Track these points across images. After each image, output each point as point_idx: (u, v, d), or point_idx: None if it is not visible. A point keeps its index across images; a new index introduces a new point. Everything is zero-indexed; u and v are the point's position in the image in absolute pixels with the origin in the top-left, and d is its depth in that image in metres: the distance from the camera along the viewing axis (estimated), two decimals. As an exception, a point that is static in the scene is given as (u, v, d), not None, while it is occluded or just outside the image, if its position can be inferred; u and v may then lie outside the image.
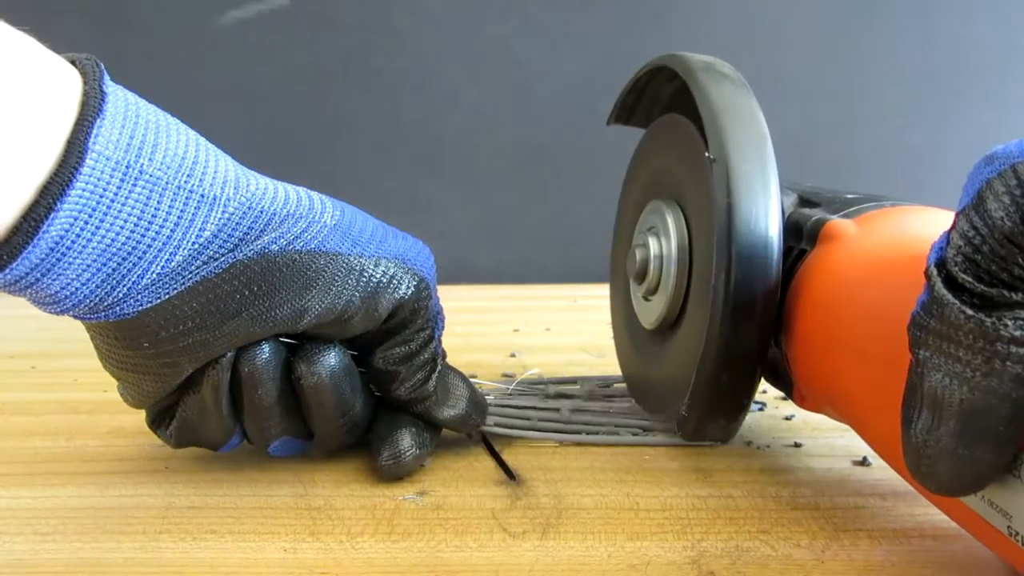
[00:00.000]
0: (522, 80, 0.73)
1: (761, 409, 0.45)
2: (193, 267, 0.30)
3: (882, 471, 0.37)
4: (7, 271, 0.27)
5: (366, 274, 0.33)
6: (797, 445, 0.40)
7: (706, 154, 0.34)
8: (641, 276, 0.39)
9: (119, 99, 0.28)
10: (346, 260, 0.33)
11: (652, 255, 0.38)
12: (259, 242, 0.31)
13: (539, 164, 0.75)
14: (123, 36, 0.71)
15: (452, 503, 0.34)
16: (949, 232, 0.22)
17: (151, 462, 0.34)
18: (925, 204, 0.34)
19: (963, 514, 0.25)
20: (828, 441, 0.40)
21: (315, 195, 0.34)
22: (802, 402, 0.35)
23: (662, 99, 0.43)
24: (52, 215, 0.26)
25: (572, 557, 0.30)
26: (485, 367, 0.51)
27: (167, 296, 0.30)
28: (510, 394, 0.45)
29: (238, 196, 0.31)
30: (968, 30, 0.73)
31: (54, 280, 0.28)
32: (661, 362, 0.39)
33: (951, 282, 0.21)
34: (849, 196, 0.36)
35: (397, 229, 0.37)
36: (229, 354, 0.33)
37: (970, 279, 0.21)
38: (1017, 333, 0.20)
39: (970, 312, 0.21)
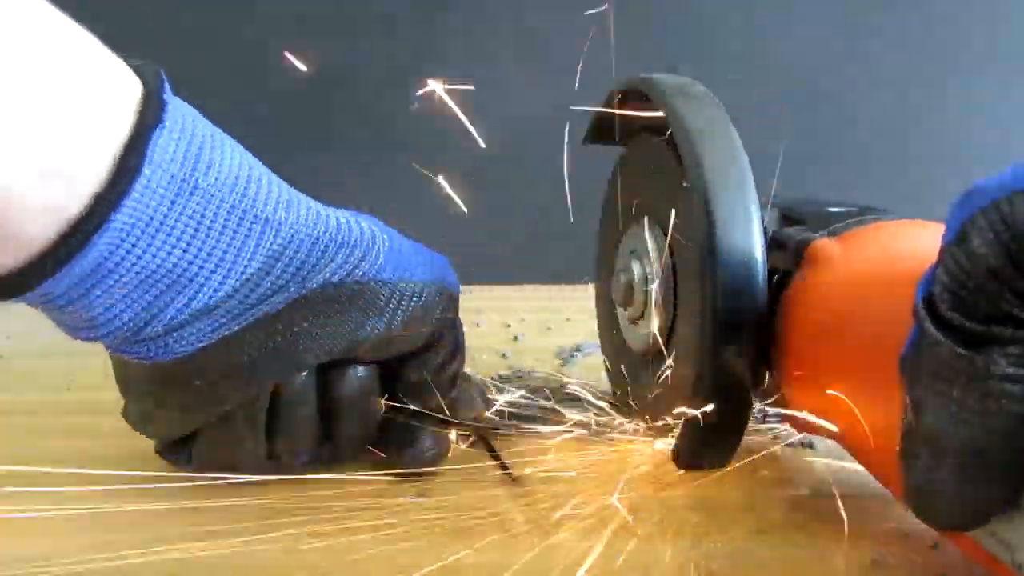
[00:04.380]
0: (521, 80, 0.73)
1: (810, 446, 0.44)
2: (250, 300, 0.29)
3: (882, 471, 0.37)
4: (44, 286, 0.25)
5: (414, 299, 0.33)
6: (809, 445, 0.40)
7: (683, 183, 0.33)
8: (627, 301, 0.39)
9: (178, 109, 0.27)
10: (397, 287, 0.33)
11: (636, 279, 0.38)
12: (321, 275, 0.30)
13: (536, 164, 0.75)
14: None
15: (452, 503, 0.34)
16: (935, 268, 0.21)
17: (151, 463, 0.34)
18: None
19: (968, 546, 0.25)
20: (828, 441, 0.40)
21: (362, 220, 0.33)
22: (796, 424, 0.35)
23: (637, 119, 0.42)
24: (104, 227, 0.24)
25: (572, 557, 0.30)
26: (481, 366, 0.51)
27: (227, 332, 0.29)
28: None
29: (290, 219, 0.30)
30: (967, 30, 0.73)
31: (95, 300, 0.26)
32: (652, 386, 0.39)
33: (940, 320, 0.21)
34: (832, 210, 0.35)
35: (419, 243, 0.37)
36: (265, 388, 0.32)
37: (958, 317, 0.20)
38: (1010, 370, 0.19)
39: (961, 351, 0.20)
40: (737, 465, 0.38)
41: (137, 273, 0.26)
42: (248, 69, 0.71)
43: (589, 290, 0.71)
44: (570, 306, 0.64)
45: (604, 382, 0.48)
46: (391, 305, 0.32)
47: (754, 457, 0.39)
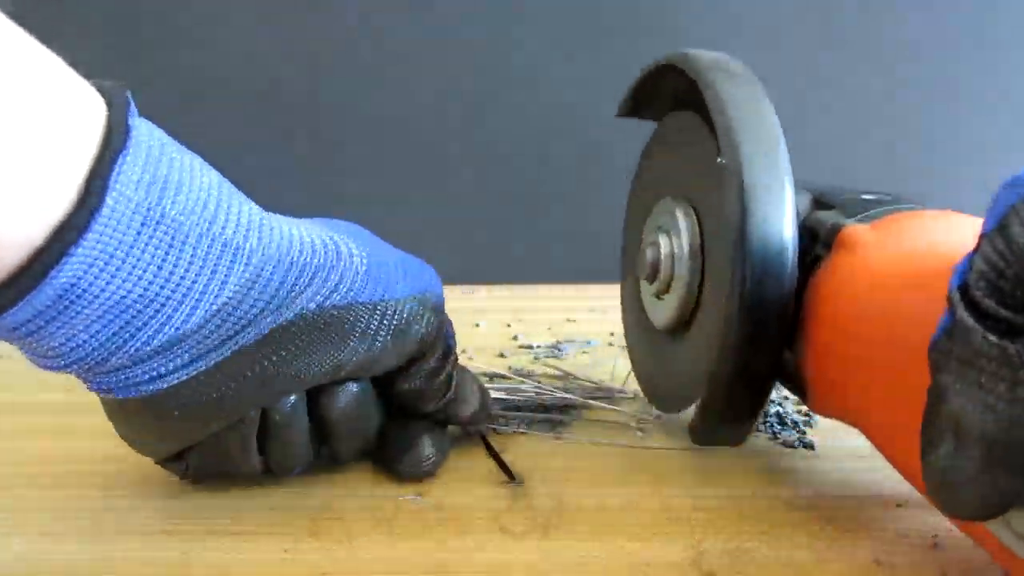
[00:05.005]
0: (519, 79, 0.73)
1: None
2: (223, 331, 0.28)
3: (883, 471, 0.37)
4: (5, 317, 0.24)
5: (396, 316, 0.33)
6: (809, 446, 0.40)
7: (718, 159, 0.33)
8: (652, 275, 0.38)
9: (144, 134, 0.26)
10: (377, 308, 0.32)
11: (663, 254, 0.37)
12: (297, 303, 0.30)
13: (537, 164, 0.75)
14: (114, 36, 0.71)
15: (452, 503, 0.34)
16: (971, 255, 0.21)
17: (151, 463, 0.34)
18: (931, 199, 0.33)
19: (982, 537, 0.25)
20: (829, 441, 0.40)
21: (339, 239, 0.32)
22: (814, 408, 0.35)
23: (673, 94, 0.41)
24: (64, 259, 0.23)
25: (572, 557, 0.30)
26: (481, 366, 0.51)
27: (202, 367, 0.29)
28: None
29: (262, 247, 0.29)
30: (967, 30, 0.73)
31: (58, 330, 0.25)
32: (674, 361, 0.39)
33: (974, 307, 0.21)
34: (865, 197, 0.35)
35: (401, 251, 0.36)
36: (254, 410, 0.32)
37: (993, 305, 0.20)
38: None
39: (994, 339, 0.20)
40: (737, 465, 0.38)
41: (100, 304, 0.25)
42: (247, 67, 0.71)
43: (589, 290, 0.71)
44: (570, 306, 0.64)
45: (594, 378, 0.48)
46: (372, 327, 0.32)
47: (754, 457, 0.39)
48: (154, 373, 0.28)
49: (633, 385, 0.45)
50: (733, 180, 0.32)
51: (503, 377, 0.49)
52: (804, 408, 0.44)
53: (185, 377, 0.29)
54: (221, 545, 0.31)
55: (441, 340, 0.36)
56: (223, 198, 0.28)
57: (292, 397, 0.32)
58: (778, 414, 0.43)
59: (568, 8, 0.71)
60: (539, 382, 0.47)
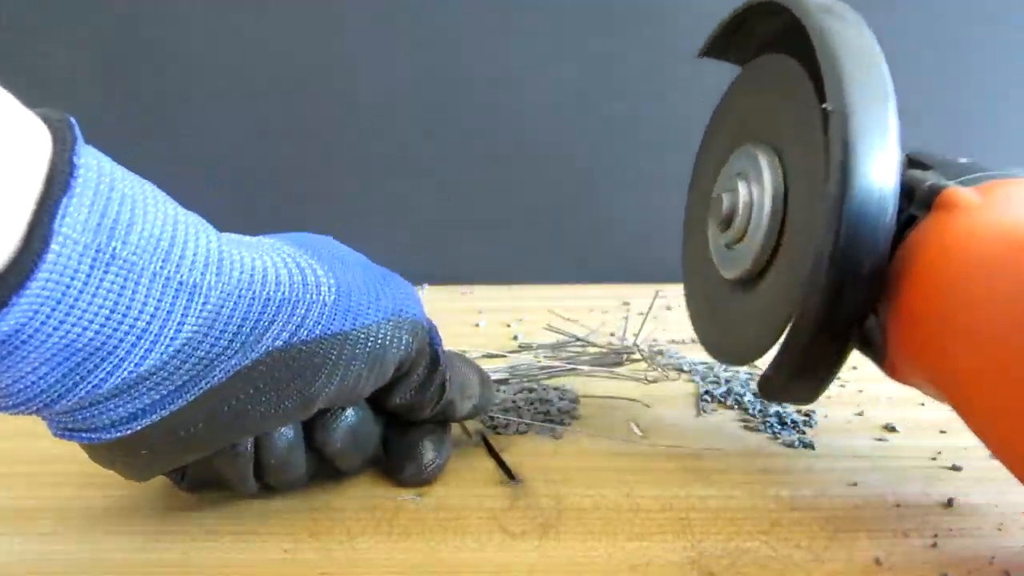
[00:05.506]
0: (520, 79, 0.73)
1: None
2: (184, 371, 0.27)
3: (882, 471, 0.37)
4: None
5: (369, 343, 0.31)
6: (809, 445, 0.40)
7: (823, 105, 0.31)
8: (726, 223, 0.37)
9: (92, 170, 0.24)
10: (349, 337, 0.31)
11: (741, 201, 0.36)
12: (262, 342, 0.29)
13: (538, 164, 0.75)
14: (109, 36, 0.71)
15: (452, 503, 0.34)
16: None
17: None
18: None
19: None
20: (829, 441, 0.40)
21: (305, 264, 0.31)
22: (893, 373, 0.33)
23: (763, 36, 0.39)
24: (7, 308, 0.22)
25: (572, 557, 0.30)
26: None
27: (165, 413, 0.28)
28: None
29: (221, 283, 0.27)
30: (968, 29, 0.73)
31: (3, 372, 0.24)
32: (741, 314, 0.38)
33: None
34: (963, 161, 0.34)
35: (374, 266, 0.35)
36: (248, 444, 0.31)
37: None
38: None
39: None
40: (737, 465, 0.38)
41: (48, 348, 0.24)
42: (245, 65, 0.71)
43: (589, 290, 0.71)
44: (570, 306, 0.64)
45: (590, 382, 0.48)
46: (344, 357, 0.30)
47: (754, 457, 0.39)
48: (115, 416, 0.27)
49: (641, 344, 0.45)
50: (840, 125, 0.30)
51: (500, 357, 0.49)
52: (804, 408, 0.44)
53: (148, 422, 0.28)
54: (221, 545, 0.31)
55: (424, 355, 0.34)
56: (179, 233, 0.26)
57: (289, 432, 0.32)
58: (778, 414, 0.43)
59: (567, 7, 0.71)
60: (538, 358, 0.47)
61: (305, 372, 0.30)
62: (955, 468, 0.37)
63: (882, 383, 0.48)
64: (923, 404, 0.44)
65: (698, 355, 0.52)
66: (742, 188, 0.36)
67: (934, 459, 0.38)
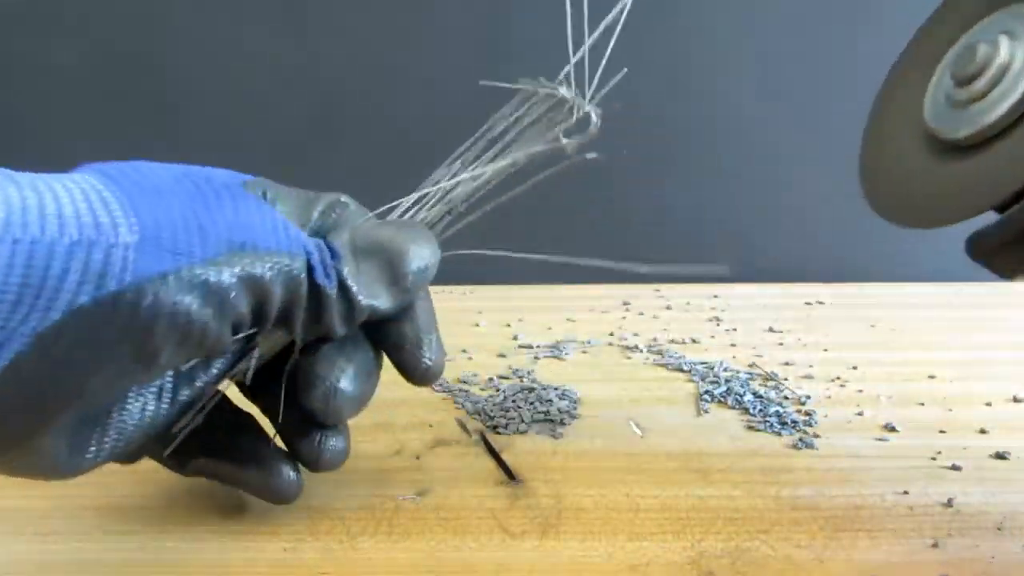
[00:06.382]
0: (521, 79, 0.73)
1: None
2: None
3: (882, 471, 0.37)
4: None
5: (197, 287, 0.25)
6: (809, 445, 0.40)
7: None
8: (971, 77, 0.35)
9: None
10: (169, 279, 0.25)
11: (1000, 58, 0.35)
12: (60, 298, 0.23)
13: (536, 164, 0.75)
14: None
15: (452, 503, 0.34)
16: None
17: (151, 462, 0.34)
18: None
19: None
20: (829, 441, 0.40)
21: (96, 199, 0.25)
22: None
23: None
24: None
25: (572, 557, 0.30)
26: (481, 366, 0.51)
27: None
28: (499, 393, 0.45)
29: None
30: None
31: None
32: (954, 176, 0.36)
33: None
34: None
35: (214, 178, 0.29)
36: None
37: None
38: None
39: None
40: (737, 465, 0.38)
41: None
42: (244, 64, 0.71)
43: (589, 290, 0.71)
44: (570, 306, 0.64)
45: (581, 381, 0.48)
46: (165, 306, 0.25)
47: (754, 457, 0.39)
48: None
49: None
50: None
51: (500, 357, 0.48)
52: (804, 408, 0.44)
53: None
54: (221, 545, 0.31)
55: (297, 291, 0.28)
56: None
57: (150, 403, 0.28)
58: (778, 414, 0.43)
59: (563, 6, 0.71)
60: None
61: (129, 328, 0.24)
62: (955, 468, 0.37)
63: (882, 383, 0.48)
64: (923, 404, 0.44)
65: (698, 355, 0.52)
66: (1004, 45, 0.35)
67: (934, 459, 0.38)
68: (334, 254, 0.30)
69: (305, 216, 0.32)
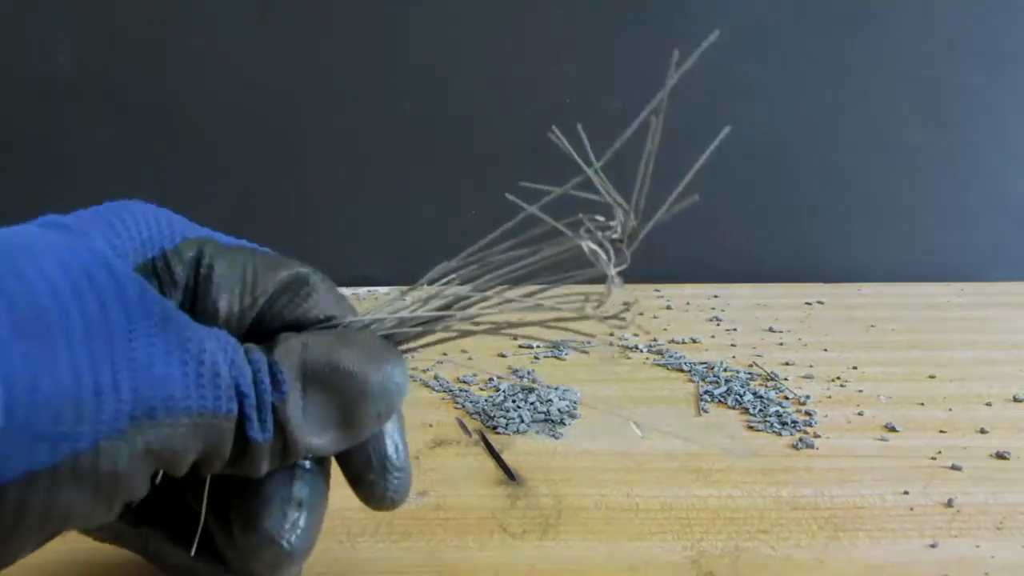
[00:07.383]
0: (521, 79, 0.73)
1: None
2: None
3: (882, 471, 0.37)
4: None
5: (88, 478, 0.19)
6: (809, 445, 0.40)
7: None
8: None
9: None
10: (51, 477, 0.19)
11: None
12: None
13: (538, 164, 0.75)
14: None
15: (452, 503, 0.34)
16: None
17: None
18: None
19: None
20: (829, 441, 0.40)
21: None
22: None
23: None
24: None
25: (572, 557, 0.30)
26: (482, 367, 0.51)
27: None
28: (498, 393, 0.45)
29: None
30: (967, 29, 0.73)
31: None
32: None
33: None
34: None
35: (142, 285, 0.21)
36: None
37: None
38: None
39: None
40: (737, 465, 0.38)
41: None
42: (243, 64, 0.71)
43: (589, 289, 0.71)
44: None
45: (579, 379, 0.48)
46: (38, 504, 0.19)
47: (754, 457, 0.39)
48: None
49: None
50: None
51: (500, 357, 0.49)
52: (804, 408, 0.44)
53: None
54: (221, 545, 0.31)
55: (223, 452, 0.22)
56: None
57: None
58: (778, 414, 0.43)
59: (567, 6, 0.72)
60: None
61: None
62: (955, 468, 0.37)
63: (882, 383, 0.48)
64: (923, 404, 0.44)
65: (698, 355, 0.52)
66: None
67: (934, 459, 0.38)
68: (277, 383, 0.23)
69: (258, 287, 0.25)
